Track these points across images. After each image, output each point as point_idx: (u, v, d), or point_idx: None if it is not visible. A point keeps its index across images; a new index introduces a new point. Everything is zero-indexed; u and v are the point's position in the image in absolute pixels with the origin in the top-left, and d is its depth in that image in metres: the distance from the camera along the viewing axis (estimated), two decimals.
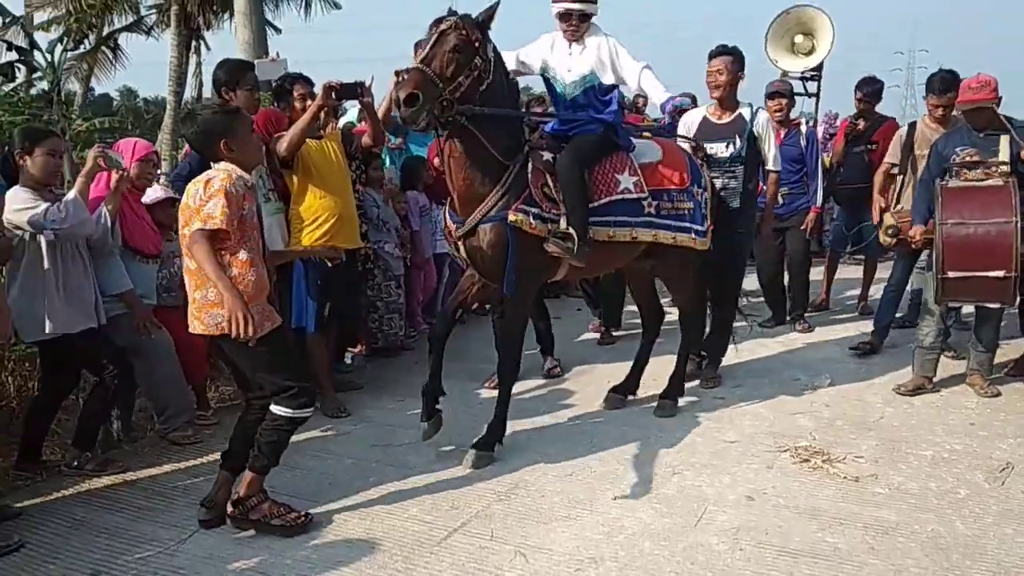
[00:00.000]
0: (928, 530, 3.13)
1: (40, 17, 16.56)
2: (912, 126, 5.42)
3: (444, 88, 3.42)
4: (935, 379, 4.73)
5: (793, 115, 6.37)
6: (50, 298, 3.60)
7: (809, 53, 7.01)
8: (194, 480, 3.72)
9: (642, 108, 8.91)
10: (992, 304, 4.40)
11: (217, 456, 3.89)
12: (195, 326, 3.04)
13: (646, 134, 4.40)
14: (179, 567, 2.94)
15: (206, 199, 2.87)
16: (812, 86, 7.25)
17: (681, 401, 4.57)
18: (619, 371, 4.83)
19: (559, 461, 3.84)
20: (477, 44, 3.53)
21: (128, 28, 18.99)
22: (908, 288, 5.51)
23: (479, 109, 3.57)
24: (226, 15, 20.62)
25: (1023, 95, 5.57)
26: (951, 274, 4.16)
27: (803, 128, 6.10)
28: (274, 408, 3.08)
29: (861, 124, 6.38)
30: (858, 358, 5.42)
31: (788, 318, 6.27)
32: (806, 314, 6.37)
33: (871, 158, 6.26)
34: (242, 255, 2.96)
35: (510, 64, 4.02)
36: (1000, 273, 4.06)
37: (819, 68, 7.05)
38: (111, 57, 19.00)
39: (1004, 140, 4.31)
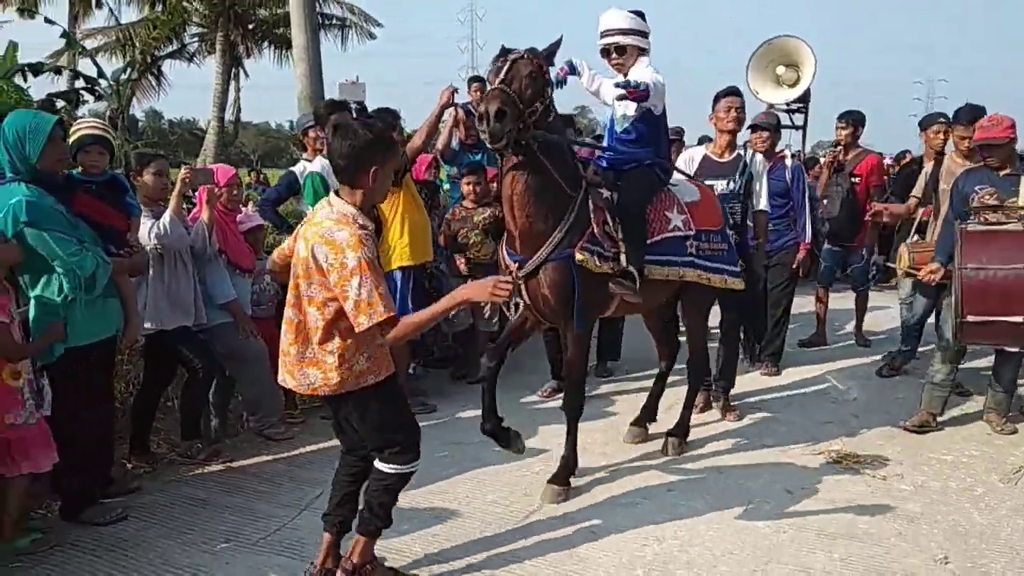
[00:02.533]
0: (949, 520, 3.58)
1: (89, 43, 17.44)
2: (939, 160, 5.49)
3: (524, 109, 3.42)
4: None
5: (780, 148, 6.20)
6: (154, 299, 4.14)
7: (793, 84, 6.87)
8: (294, 468, 4.22)
9: (676, 144, 9.34)
10: (1011, 348, 4.42)
11: (306, 449, 4.43)
12: (286, 380, 2.85)
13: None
14: (300, 539, 3.41)
15: (347, 276, 2.57)
16: (798, 118, 7.07)
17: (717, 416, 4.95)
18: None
19: (617, 459, 4.29)
20: (547, 75, 3.58)
21: (172, 55, 19.79)
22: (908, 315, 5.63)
23: (552, 136, 3.59)
24: (266, 43, 21.54)
25: None
26: (970, 318, 4.12)
27: (788, 162, 5.80)
28: (381, 466, 2.89)
29: (842, 155, 6.42)
30: (881, 378, 5.73)
31: (759, 358, 6.06)
32: (806, 347, 6.58)
33: (854, 192, 6.35)
34: None
35: (586, 83, 4.01)
36: (1019, 319, 4.02)
37: (805, 100, 6.91)
38: (155, 83, 19.78)
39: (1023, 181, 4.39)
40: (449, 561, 3.22)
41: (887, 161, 11.34)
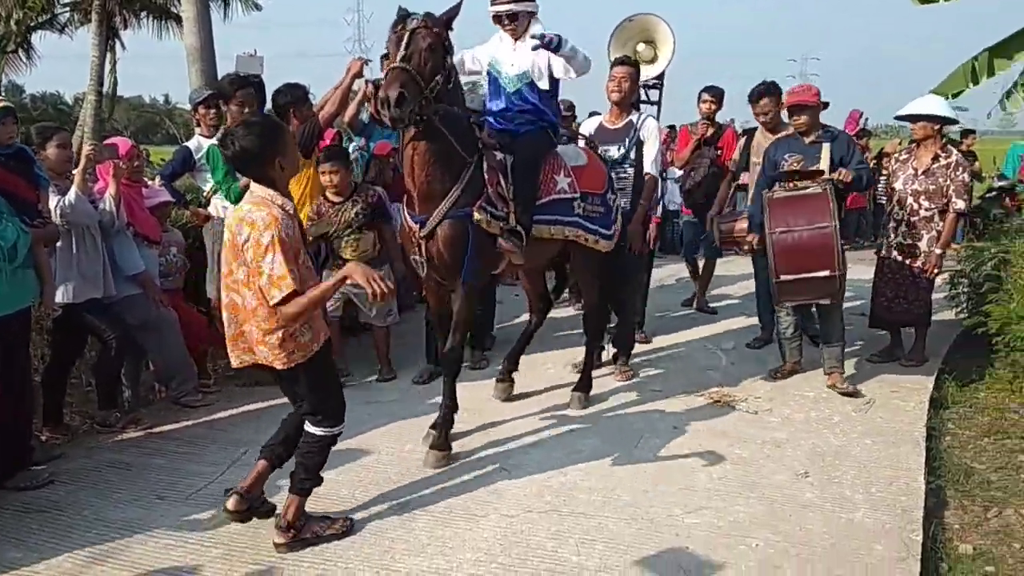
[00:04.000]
0: (809, 443, 4.14)
1: None
2: (750, 135, 5.92)
3: (425, 86, 3.47)
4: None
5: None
6: (64, 272, 4.20)
7: (652, 61, 6.86)
8: (215, 431, 4.39)
9: (568, 117, 9.69)
10: (824, 301, 4.76)
11: (225, 414, 4.59)
12: (243, 359, 3.03)
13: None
14: (230, 490, 3.60)
15: (261, 253, 2.76)
16: (654, 95, 7.12)
17: (607, 372, 5.30)
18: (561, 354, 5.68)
19: (521, 410, 4.67)
20: (447, 43, 3.63)
21: (41, 26, 18.75)
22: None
23: (451, 109, 3.71)
24: (144, 13, 20.67)
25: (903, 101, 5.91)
26: (783, 277, 4.46)
27: None
28: (313, 429, 3.10)
29: (710, 130, 6.65)
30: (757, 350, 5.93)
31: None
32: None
33: (718, 163, 6.62)
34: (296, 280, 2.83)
35: (465, 64, 4.28)
36: (825, 272, 4.40)
37: (661, 77, 6.94)
38: (24, 56, 18.70)
39: (825, 148, 4.78)
40: (376, 504, 3.50)
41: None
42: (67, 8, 19.23)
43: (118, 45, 22.11)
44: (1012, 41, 6.85)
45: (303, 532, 3.13)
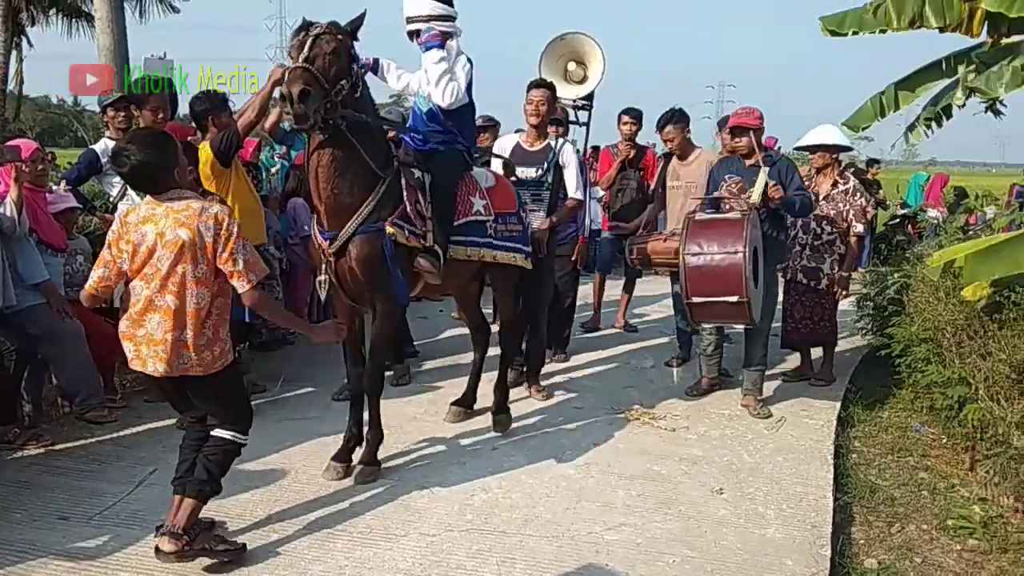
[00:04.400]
0: (724, 460, 4.24)
1: None
2: (668, 159, 5.96)
3: (330, 88, 3.40)
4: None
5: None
6: None
7: (581, 81, 6.74)
8: (121, 448, 4.21)
9: (495, 131, 9.73)
10: (736, 326, 4.95)
11: (132, 431, 4.42)
12: (157, 367, 2.92)
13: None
14: (137, 511, 3.47)
15: (234, 240, 2.89)
16: (583, 115, 6.97)
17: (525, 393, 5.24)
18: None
19: (443, 428, 4.64)
20: (352, 52, 3.58)
21: None
22: None
23: (359, 116, 3.59)
24: (53, 11, 19.82)
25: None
26: (694, 299, 4.45)
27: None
28: (222, 433, 3.09)
29: (632, 151, 6.74)
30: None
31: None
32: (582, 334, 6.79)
33: (643, 182, 6.75)
34: (223, 285, 2.99)
35: (386, 76, 4.28)
36: (735, 298, 4.35)
37: (590, 98, 6.79)
38: None
39: (763, 172, 4.74)
40: (293, 524, 3.40)
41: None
42: None
43: (24, 42, 21.19)
44: (916, 77, 7.20)
45: (196, 543, 3.02)
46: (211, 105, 4.86)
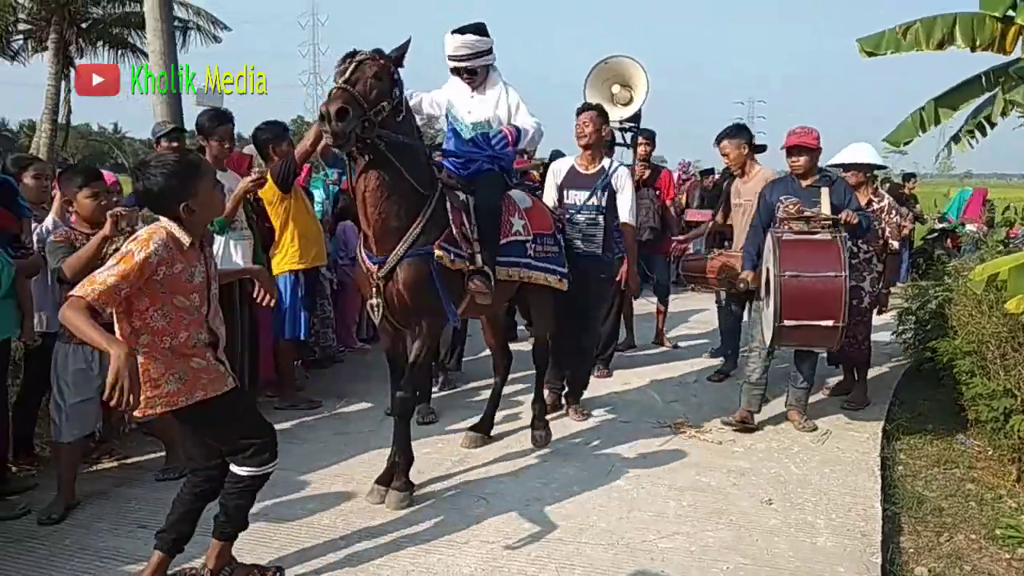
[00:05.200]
0: (772, 472, 4.33)
1: None
2: (731, 180, 6.06)
3: (368, 109, 3.42)
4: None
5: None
6: (40, 300, 4.15)
7: (627, 104, 6.96)
8: None
9: (531, 153, 9.93)
10: (819, 349, 4.87)
11: None
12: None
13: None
14: (211, 518, 3.64)
15: (117, 258, 2.59)
16: (630, 137, 7.21)
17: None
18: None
19: (500, 445, 4.77)
20: (395, 76, 3.61)
21: None
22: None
23: (398, 136, 3.60)
24: (100, 43, 20.53)
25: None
26: (787, 322, 4.35)
27: None
28: (237, 470, 2.92)
29: (647, 172, 6.85)
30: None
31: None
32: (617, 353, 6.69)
33: (660, 203, 6.85)
34: (158, 322, 2.68)
35: (421, 107, 4.36)
36: (830, 323, 4.33)
37: (636, 118, 7.03)
38: None
39: (824, 193, 4.74)
40: (359, 532, 3.56)
41: (677, 174, 12.64)
42: (21, 36, 19.03)
43: (72, 73, 21.96)
44: (956, 92, 7.29)
45: None
46: (272, 135, 5.11)
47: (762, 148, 5.95)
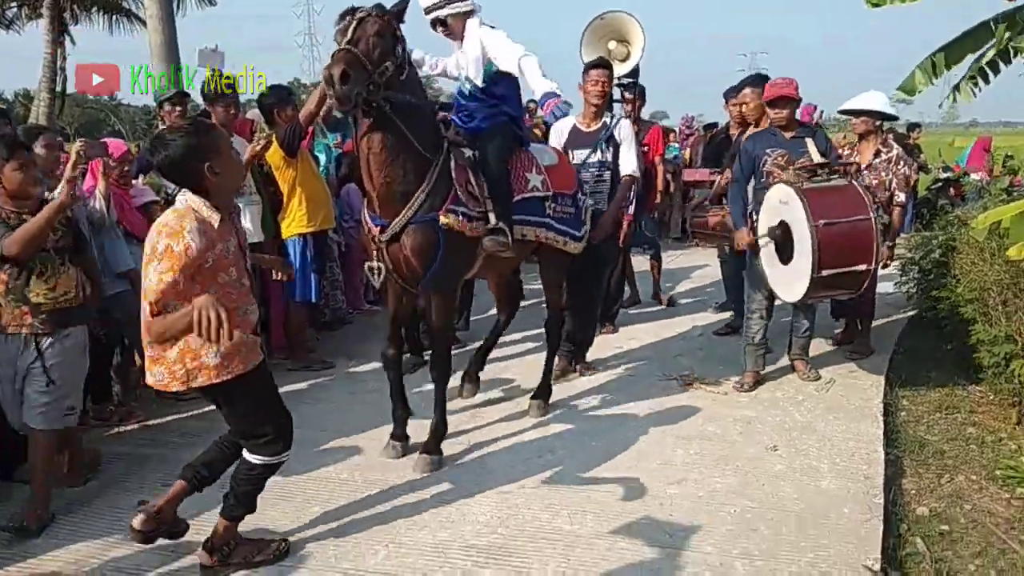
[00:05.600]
0: (777, 419, 4.44)
1: None
2: (742, 132, 6.00)
3: (373, 70, 3.33)
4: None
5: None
6: None
7: (624, 59, 6.83)
8: (210, 423, 4.47)
9: (532, 111, 9.86)
10: (845, 298, 4.86)
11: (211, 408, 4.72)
12: (148, 375, 2.76)
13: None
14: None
15: (151, 259, 2.55)
16: (629, 93, 7.04)
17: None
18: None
19: (510, 402, 4.88)
20: (397, 33, 3.50)
21: None
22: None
23: (403, 97, 3.51)
24: (95, 9, 20.30)
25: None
26: (825, 272, 4.25)
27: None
28: (249, 457, 2.91)
29: (636, 129, 6.70)
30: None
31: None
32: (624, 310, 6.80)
33: (645, 160, 6.50)
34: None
35: (424, 65, 4.22)
36: (863, 267, 4.30)
37: (634, 74, 6.89)
38: None
39: (810, 142, 4.70)
40: (378, 484, 3.69)
41: (680, 127, 12.59)
42: (15, 4, 18.84)
43: (67, 41, 21.75)
44: (963, 40, 7.24)
45: (232, 556, 3.00)
46: (277, 99, 5.15)
47: None
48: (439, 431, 3.97)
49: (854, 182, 4.48)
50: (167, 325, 2.52)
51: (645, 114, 7.66)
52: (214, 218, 2.67)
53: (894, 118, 5.79)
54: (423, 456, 3.85)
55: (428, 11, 4.00)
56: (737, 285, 6.14)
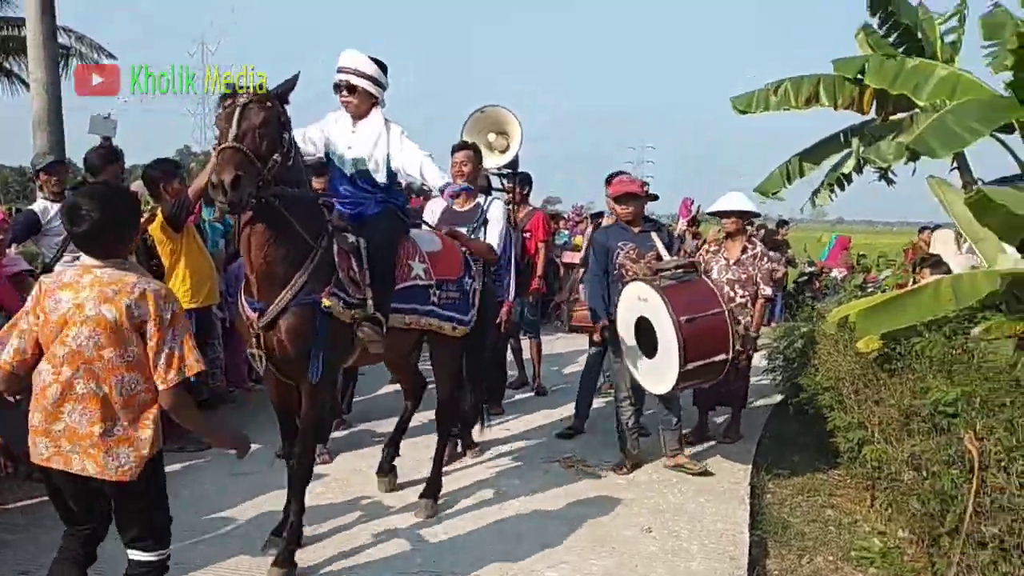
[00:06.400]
0: (652, 501, 4.62)
1: None
2: (597, 224, 6.42)
3: (263, 167, 3.22)
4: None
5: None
6: None
7: (504, 151, 7.06)
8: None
9: (428, 194, 10.03)
10: (708, 384, 5.02)
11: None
12: (86, 467, 2.47)
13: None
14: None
15: (164, 326, 2.47)
16: (508, 183, 7.28)
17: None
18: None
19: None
20: (282, 119, 3.38)
21: None
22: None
23: (291, 191, 3.43)
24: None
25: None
26: (690, 365, 4.45)
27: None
28: (141, 556, 2.63)
29: (515, 213, 6.86)
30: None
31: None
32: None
33: (525, 245, 6.83)
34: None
35: (317, 150, 4.09)
36: (722, 356, 4.53)
37: (513, 164, 7.09)
38: None
39: (656, 237, 4.95)
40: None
41: (571, 215, 13.18)
42: None
43: None
44: (818, 148, 8.01)
45: None
46: (162, 172, 5.09)
47: (654, 197, 6.24)
48: (294, 536, 3.67)
49: (703, 277, 4.75)
50: (200, 421, 2.70)
51: (537, 200, 7.91)
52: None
53: (757, 215, 6.28)
54: (274, 569, 3.54)
55: (346, 71, 3.92)
56: (585, 384, 6.14)
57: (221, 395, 6.42)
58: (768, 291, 5.73)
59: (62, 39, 18.68)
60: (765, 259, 5.76)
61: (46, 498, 4.24)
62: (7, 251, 5.15)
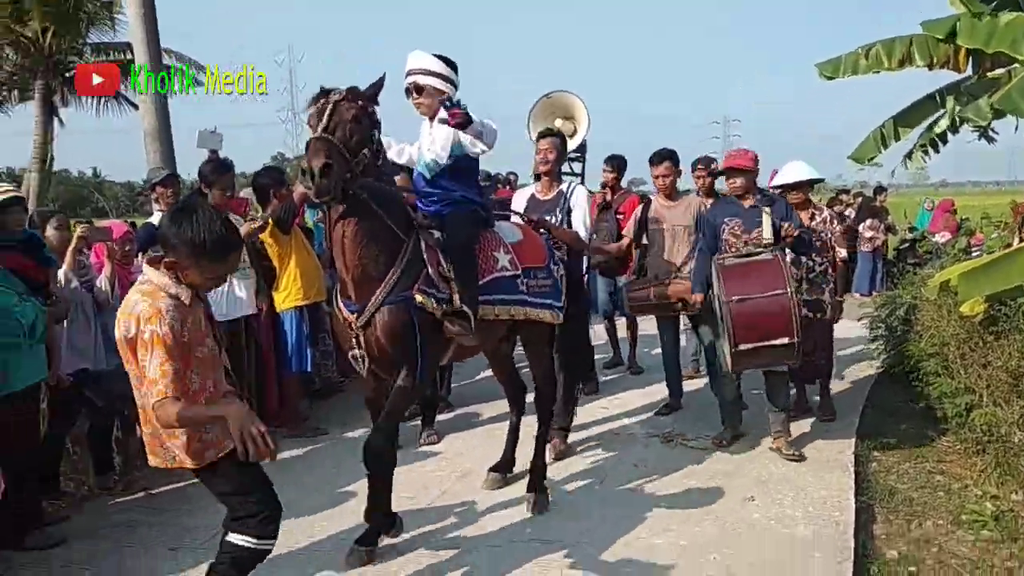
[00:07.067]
0: (754, 473, 4.67)
1: None
2: (647, 204, 6.16)
3: (352, 159, 3.28)
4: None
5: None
6: (84, 340, 4.52)
7: (571, 135, 6.97)
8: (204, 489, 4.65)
9: (513, 183, 10.22)
10: (778, 368, 4.86)
11: None
12: (153, 460, 2.77)
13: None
14: None
15: (144, 351, 2.49)
16: (577, 166, 7.39)
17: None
18: None
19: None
20: (373, 117, 3.45)
21: None
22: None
23: (380, 186, 3.50)
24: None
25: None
26: (742, 347, 4.38)
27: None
28: (233, 538, 2.77)
29: (609, 195, 7.07)
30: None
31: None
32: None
33: (619, 227, 6.79)
34: (195, 382, 2.63)
35: (391, 153, 4.07)
36: (785, 340, 4.36)
37: (582, 149, 7.18)
38: None
39: (766, 212, 4.83)
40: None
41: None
42: (5, 87, 19.33)
43: (55, 122, 22.22)
44: (913, 110, 7.79)
45: None
46: (272, 180, 5.46)
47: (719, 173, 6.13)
48: (376, 526, 3.78)
49: (778, 256, 4.58)
50: (191, 414, 2.50)
51: (623, 183, 7.98)
52: (184, 294, 2.61)
53: (820, 180, 6.10)
54: (355, 547, 3.67)
55: (412, 72, 3.89)
56: (669, 366, 6.13)
57: (333, 385, 6.78)
58: (843, 252, 5.73)
59: (165, 59, 19.79)
60: (834, 222, 5.70)
61: (189, 483, 4.73)
62: (135, 260, 5.62)
